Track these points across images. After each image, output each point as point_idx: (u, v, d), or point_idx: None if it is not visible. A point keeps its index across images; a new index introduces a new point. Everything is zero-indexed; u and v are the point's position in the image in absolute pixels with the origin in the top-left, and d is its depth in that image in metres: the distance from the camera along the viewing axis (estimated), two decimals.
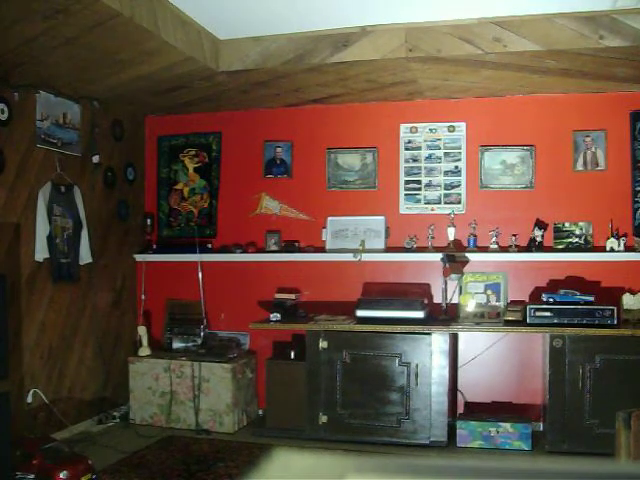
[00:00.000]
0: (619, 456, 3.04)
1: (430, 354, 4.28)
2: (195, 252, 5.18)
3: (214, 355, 4.83)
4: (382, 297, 4.68)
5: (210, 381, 4.71)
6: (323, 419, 4.41)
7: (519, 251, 4.66)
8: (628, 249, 4.49)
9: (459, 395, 4.75)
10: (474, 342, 4.71)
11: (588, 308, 4.15)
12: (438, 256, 4.63)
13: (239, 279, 5.22)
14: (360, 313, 4.48)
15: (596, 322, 4.11)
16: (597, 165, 4.68)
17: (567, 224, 4.67)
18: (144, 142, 5.53)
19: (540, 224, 4.66)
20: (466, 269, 4.74)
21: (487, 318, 4.60)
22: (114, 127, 5.13)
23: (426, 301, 4.56)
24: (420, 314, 4.39)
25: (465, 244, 4.80)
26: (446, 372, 4.28)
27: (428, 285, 4.88)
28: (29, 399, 4.19)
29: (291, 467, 0.63)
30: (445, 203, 4.91)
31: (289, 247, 5.09)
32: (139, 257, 5.37)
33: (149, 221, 5.41)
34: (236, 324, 5.17)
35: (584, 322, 4.12)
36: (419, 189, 4.96)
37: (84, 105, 4.71)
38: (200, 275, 5.23)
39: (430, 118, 4.94)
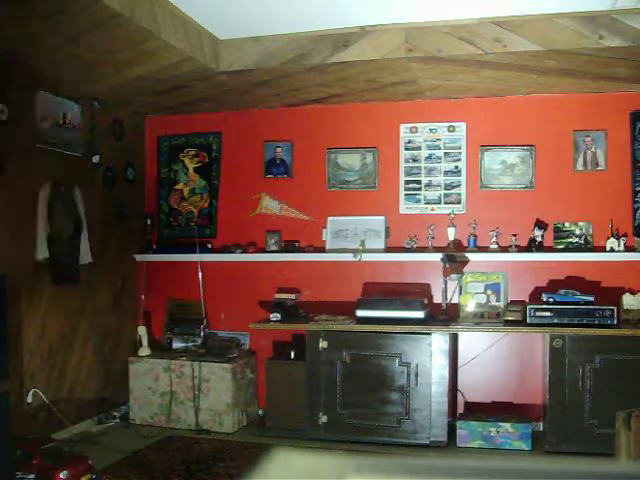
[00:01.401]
0: (619, 456, 3.04)
1: (430, 354, 4.27)
2: (195, 252, 5.18)
3: (214, 355, 4.83)
4: (382, 297, 4.68)
5: (210, 381, 4.71)
6: (323, 419, 4.41)
7: (519, 251, 4.66)
8: (628, 249, 4.49)
9: (459, 395, 4.75)
10: (474, 342, 4.71)
11: (588, 308, 4.15)
12: (438, 256, 4.63)
13: (239, 279, 5.22)
14: (360, 313, 4.48)
15: (596, 322, 4.11)
16: (597, 165, 4.68)
17: (567, 224, 4.67)
18: (144, 142, 5.53)
19: (540, 224, 4.66)
20: (466, 269, 4.74)
21: (487, 318, 4.60)
22: (114, 127, 5.13)
23: (426, 301, 4.56)
24: (420, 314, 4.38)
25: (465, 244, 4.79)
26: (446, 372, 4.27)
27: (428, 285, 4.88)
28: (29, 399, 4.19)
29: (291, 467, 0.63)
30: (445, 203, 4.90)
31: (289, 247, 5.09)
32: (139, 257, 5.37)
33: (149, 221, 5.41)
34: (236, 324, 5.17)
35: (584, 322, 4.12)
36: (419, 189, 4.96)
37: (84, 105, 4.71)
38: (200, 275, 5.22)
39: (430, 118, 4.94)
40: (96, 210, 4.89)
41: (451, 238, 4.76)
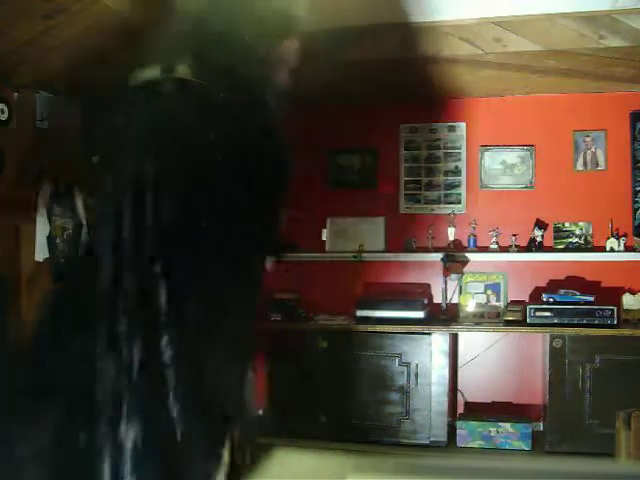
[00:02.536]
0: (619, 456, 3.05)
1: (430, 354, 4.27)
2: None
3: None
4: (382, 297, 4.68)
5: None
6: (323, 419, 4.41)
7: (519, 251, 4.66)
8: (628, 249, 4.49)
9: (459, 395, 4.75)
10: (474, 342, 4.71)
11: (588, 308, 4.15)
12: (438, 256, 4.64)
13: None
14: (360, 313, 4.48)
15: (596, 322, 4.11)
16: (597, 165, 4.68)
17: (567, 224, 4.67)
18: None
19: (540, 224, 4.66)
20: (466, 269, 4.74)
21: (487, 318, 4.60)
22: None
23: (426, 301, 4.56)
24: (420, 314, 4.39)
25: (465, 244, 4.79)
26: (446, 372, 4.27)
27: (428, 285, 4.87)
28: None
29: (291, 467, 0.63)
30: (445, 203, 4.91)
31: (289, 247, 5.08)
32: None
33: None
34: None
35: (584, 322, 4.12)
36: (419, 189, 4.96)
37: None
38: None
39: (430, 118, 4.94)
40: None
41: (451, 238, 4.76)
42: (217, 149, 1.45)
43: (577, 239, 4.65)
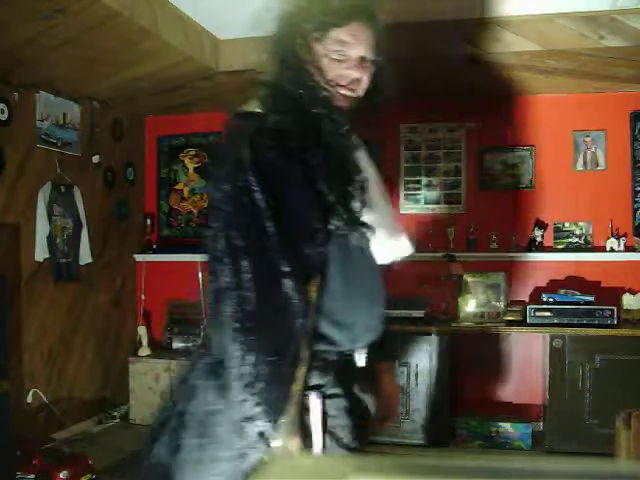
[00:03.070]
0: (619, 456, 3.05)
1: (430, 354, 4.28)
2: (195, 252, 5.17)
3: None
4: None
5: None
6: None
7: (519, 251, 4.66)
8: (628, 249, 4.49)
9: (459, 395, 4.75)
10: (474, 342, 4.71)
11: (588, 308, 4.15)
12: (438, 256, 4.63)
13: None
14: None
15: (596, 322, 4.11)
16: (597, 165, 4.68)
17: (567, 224, 4.67)
18: (144, 142, 5.53)
19: (540, 224, 4.66)
20: (466, 269, 4.74)
21: (487, 318, 4.60)
22: (114, 127, 5.13)
23: (426, 301, 4.56)
24: (420, 314, 4.39)
25: (465, 244, 4.79)
26: (446, 372, 4.28)
27: (428, 285, 4.87)
28: (29, 399, 4.19)
29: (292, 467, 0.63)
30: (445, 203, 4.91)
31: None
32: (139, 257, 5.37)
33: (149, 221, 5.41)
34: None
35: (584, 322, 4.12)
36: (419, 189, 4.96)
37: (84, 105, 4.71)
38: (200, 275, 5.22)
39: (430, 118, 4.94)
40: (96, 210, 4.88)
41: (451, 238, 4.76)
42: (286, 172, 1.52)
43: (577, 239, 4.65)
